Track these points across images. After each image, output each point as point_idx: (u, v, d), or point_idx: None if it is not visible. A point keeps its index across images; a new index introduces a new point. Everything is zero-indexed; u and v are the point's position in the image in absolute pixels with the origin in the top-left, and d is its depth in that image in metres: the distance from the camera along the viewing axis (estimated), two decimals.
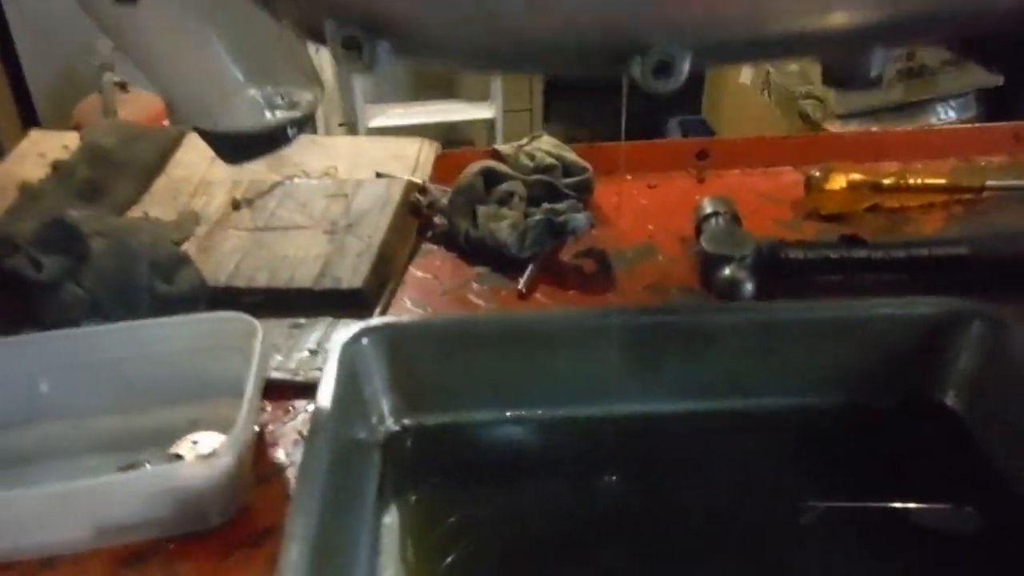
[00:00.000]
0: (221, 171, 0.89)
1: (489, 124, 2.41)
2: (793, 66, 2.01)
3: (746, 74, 2.17)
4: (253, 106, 0.48)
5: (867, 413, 0.55)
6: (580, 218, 0.75)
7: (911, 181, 0.82)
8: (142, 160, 0.92)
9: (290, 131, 0.50)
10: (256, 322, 0.55)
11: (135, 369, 0.57)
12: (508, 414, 0.56)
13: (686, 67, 0.29)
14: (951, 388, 0.55)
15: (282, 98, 0.49)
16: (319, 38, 0.36)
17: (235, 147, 0.49)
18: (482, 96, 2.41)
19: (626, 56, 0.30)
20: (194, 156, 0.93)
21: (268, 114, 0.49)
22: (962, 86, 1.84)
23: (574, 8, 0.29)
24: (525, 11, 0.30)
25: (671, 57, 0.29)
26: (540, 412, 0.56)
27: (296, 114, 0.50)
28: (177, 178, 0.90)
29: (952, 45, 0.47)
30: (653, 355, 0.55)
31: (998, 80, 1.81)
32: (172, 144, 0.95)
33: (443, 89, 2.48)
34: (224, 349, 0.57)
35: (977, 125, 1.02)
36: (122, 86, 2.04)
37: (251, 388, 0.51)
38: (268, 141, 0.49)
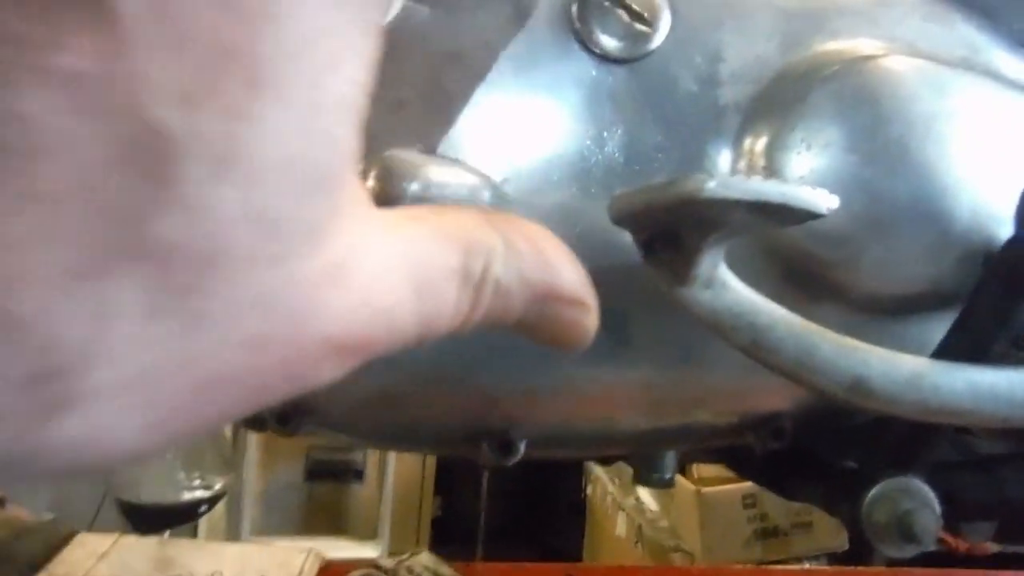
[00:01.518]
0: (107, 570, 0.92)
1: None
2: (664, 521, 2.16)
3: (621, 527, 2.30)
4: (175, 485, 0.56)
5: None
6: None
7: None
8: (28, 554, 0.93)
9: (201, 508, 0.57)
10: None
11: None
12: None
13: (522, 447, 0.41)
14: None
15: (201, 479, 0.57)
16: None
17: (150, 518, 0.56)
18: (370, 534, 2.45)
19: (479, 438, 0.41)
20: (81, 554, 0.96)
21: (186, 493, 0.56)
22: (814, 548, 2.01)
23: (443, 407, 0.41)
24: (412, 408, 0.42)
25: (511, 439, 0.40)
26: None
27: (208, 494, 0.58)
28: (57, 575, 0.91)
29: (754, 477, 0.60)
30: None
31: (844, 544, 1.99)
32: (61, 542, 0.97)
33: (331, 523, 2.52)
34: None
35: (821, 568, 1.14)
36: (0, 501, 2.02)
37: None
38: (182, 515, 0.56)
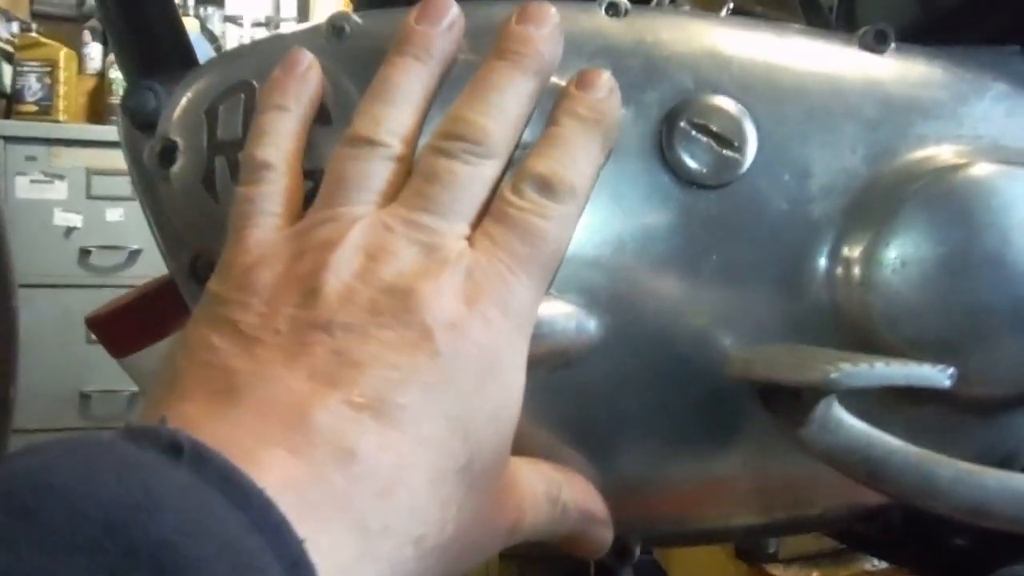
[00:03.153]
0: None
1: None
2: None
3: None
4: None
5: None
6: None
7: None
8: None
9: None
10: None
11: None
12: None
13: (637, 549, 0.42)
14: None
15: None
16: None
17: None
18: None
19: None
20: None
21: None
22: None
23: None
24: None
25: (627, 544, 0.42)
26: None
27: None
28: None
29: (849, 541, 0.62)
30: None
31: None
32: None
33: None
34: None
35: (896, 568, 1.14)
36: None
37: None
38: None
